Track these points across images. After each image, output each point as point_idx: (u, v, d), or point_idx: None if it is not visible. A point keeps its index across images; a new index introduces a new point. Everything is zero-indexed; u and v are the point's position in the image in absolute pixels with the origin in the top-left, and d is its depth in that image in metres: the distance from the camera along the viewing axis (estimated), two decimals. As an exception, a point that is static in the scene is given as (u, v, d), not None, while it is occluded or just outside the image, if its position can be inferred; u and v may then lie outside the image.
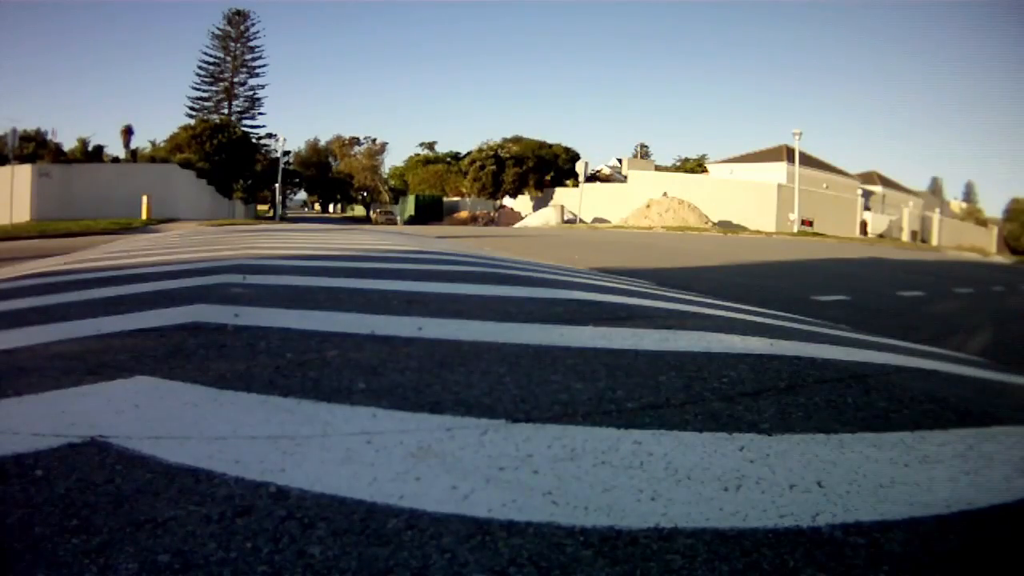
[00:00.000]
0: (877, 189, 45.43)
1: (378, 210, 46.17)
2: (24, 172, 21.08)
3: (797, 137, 32.04)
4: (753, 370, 1.79)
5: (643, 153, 66.21)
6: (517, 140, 43.89)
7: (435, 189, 44.28)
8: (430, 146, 58.18)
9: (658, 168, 49.09)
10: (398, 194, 50.17)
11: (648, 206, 30.39)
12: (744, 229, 28.19)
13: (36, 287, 3.36)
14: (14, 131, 19.35)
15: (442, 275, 3.70)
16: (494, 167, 41.80)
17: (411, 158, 53.72)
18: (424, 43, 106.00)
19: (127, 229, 14.61)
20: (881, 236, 34.27)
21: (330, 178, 58.53)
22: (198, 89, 54.11)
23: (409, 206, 38.97)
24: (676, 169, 51.30)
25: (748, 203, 31.65)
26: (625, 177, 40.64)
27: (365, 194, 57.70)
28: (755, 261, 9.11)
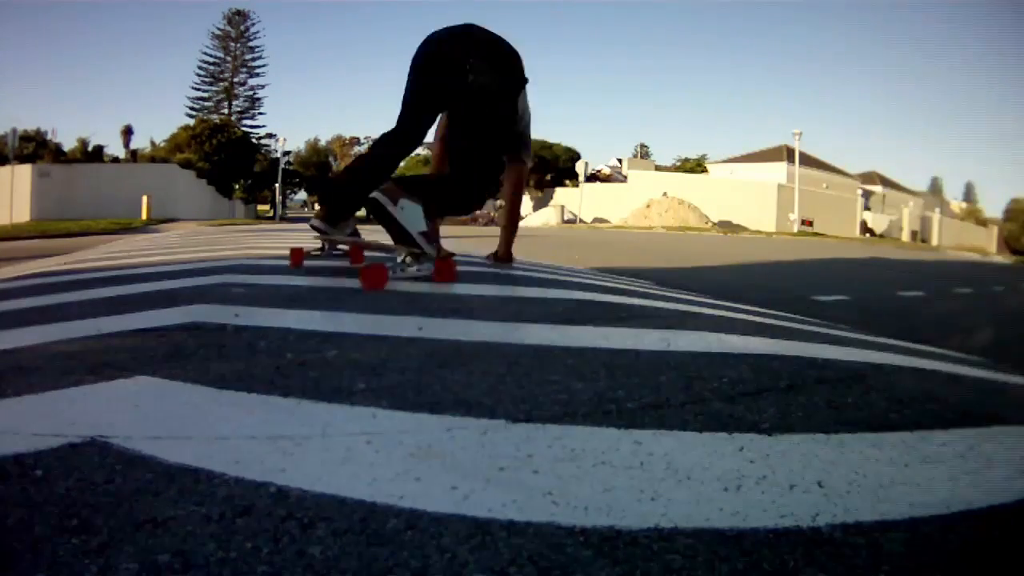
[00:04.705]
0: (877, 189, 45.42)
1: None
2: (24, 172, 21.10)
3: (797, 137, 32.07)
4: (753, 370, 1.79)
5: (643, 153, 66.22)
6: (517, 140, 43.77)
7: (435, 189, 44.19)
8: (430, 146, 58.05)
9: (658, 168, 49.13)
10: (398, 194, 49.99)
11: (648, 206, 30.40)
12: (744, 229, 28.17)
13: (36, 287, 3.36)
14: (14, 131, 19.37)
15: (442, 275, 3.69)
16: (494, 167, 41.65)
17: (411, 158, 53.70)
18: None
19: (127, 229, 14.61)
20: (881, 236, 34.23)
21: (330, 178, 58.50)
22: (198, 89, 54.21)
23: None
24: (676, 169, 51.31)
25: (748, 203, 31.66)
26: (625, 177, 40.62)
27: (365, 194, 57.67)
28: (755, 261, 9.10)
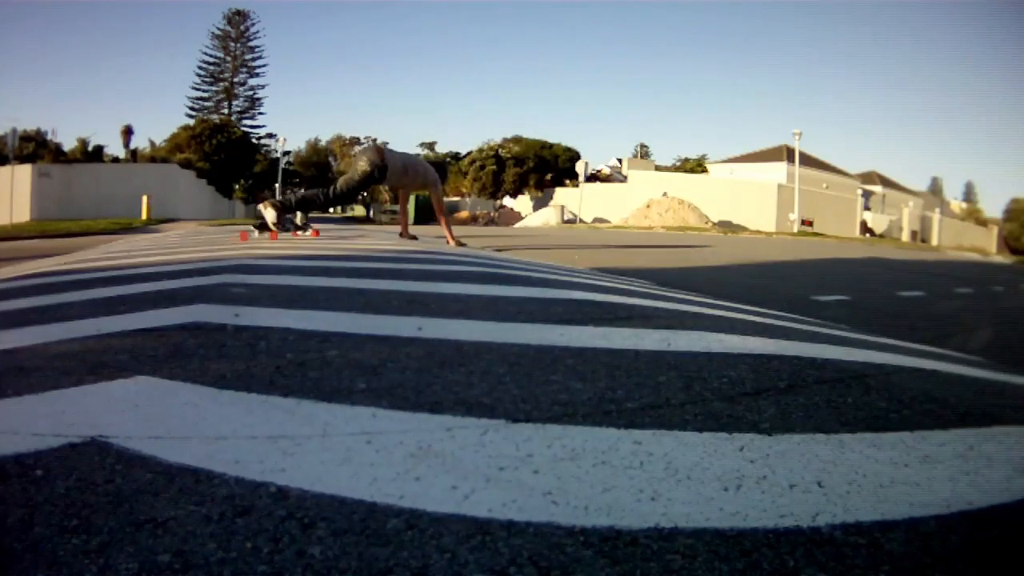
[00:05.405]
0: (877, 189, 45.42)
1: (383, 210, 46.63)
2: (24, 172, 21.10)
3: (797, 137, 32.03)
4: (753, 370, 1.79)
5: (643, 153, 66.28)
6: (517, 140, 43.87)
7: (435, 189, 44.16)
8: (430, 146, 58.19)
9: (658, 168, 49.12)
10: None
11: (648, 206, 30.37)
12: (744, 229, 28.17)
13: (36, 287, 3.36)
14: (14, 131, 19.35)
15: (442, 275, 3.70)
16: (494, 167, 41.79)
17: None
18: (424, 42, 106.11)
19: (127, 229, 14.62)
20: (881, 236, 34.25)
21: (330, 178, 58.58)
22: (198, 89, 54.18)
23: (409, 206, 38.93)
24: (676, 169, 51.29)
25: (748, 203, 31.63)
26: (625, 177, 40.63)
27: (365, 194, 57.76)
28: (755, 261, 9.11)
